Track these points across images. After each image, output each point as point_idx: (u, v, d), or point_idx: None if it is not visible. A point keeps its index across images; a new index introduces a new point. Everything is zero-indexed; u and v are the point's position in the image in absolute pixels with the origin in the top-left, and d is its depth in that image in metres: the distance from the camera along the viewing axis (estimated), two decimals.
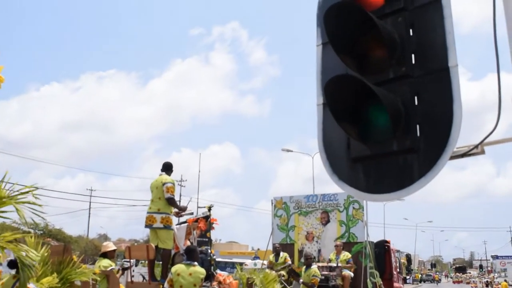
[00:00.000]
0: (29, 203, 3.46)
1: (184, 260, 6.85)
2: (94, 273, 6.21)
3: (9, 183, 3.42)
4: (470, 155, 2.19)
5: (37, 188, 3.50)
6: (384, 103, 2.29)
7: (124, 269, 8.64)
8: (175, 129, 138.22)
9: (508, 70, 2.19)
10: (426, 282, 73.78)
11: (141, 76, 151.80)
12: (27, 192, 3.46)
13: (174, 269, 6.75)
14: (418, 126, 2.26)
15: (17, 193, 3.44)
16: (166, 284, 6.93)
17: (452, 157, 2.16)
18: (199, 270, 6.62)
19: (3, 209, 3.42)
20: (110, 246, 8.16)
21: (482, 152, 2.17)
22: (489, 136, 2.12)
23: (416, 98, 2.31)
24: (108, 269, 7.45)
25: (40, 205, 3.48)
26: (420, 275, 78.59)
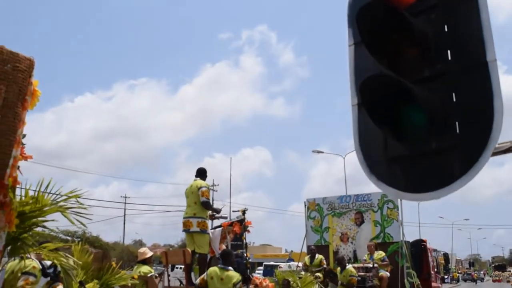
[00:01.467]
0: (74, 208, 3.53)
1: (219, 264, 6.88)
2: (133, 278, 6.30)
3: (51, 193, 3.50)
4: None
5: (78, 196, 3.57)
6: (421, 102, 2.26)
7: (160, 275, 8.74)
8: (206, 134, 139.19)
9: None
10: (467, 281, 72.16)
11: (171, 83, 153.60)
12: (70, 198, 3.54)
13: (209, 271, 6.80)
14: (457, 123, 2.22)
15: (61, 199, 3.52)
16: (197, 281, 6.99)
17: (494, 154, 2.12)
18: (231, 275, 6.61)
19: (46, 217, 3.50)
20: (147, 252, 8.26)
21: None
22: None
23: (454, 95, 2.27)
24: (148, 275, 7.55)
25: (85, 208, 3.55)
26: (458, 274, 76.95)
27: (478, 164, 2.09)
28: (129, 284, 5.95)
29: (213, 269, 6.80)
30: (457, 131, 2.20)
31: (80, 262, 4.73)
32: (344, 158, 37.16)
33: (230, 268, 6.72)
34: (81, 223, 3.61)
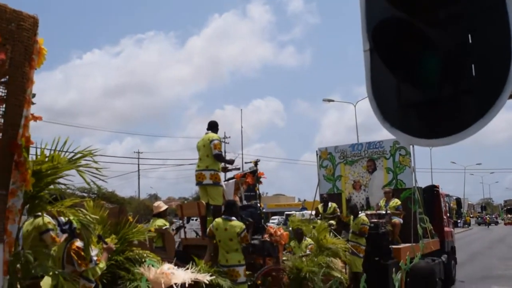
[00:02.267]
0: (89, 166, 3.57)
1: (223, 215, 7.05)
2: (150, 232, 6.43)
3: (66, 151, 3.53)
4: None
5: (91, 153, 3.60)
6: (436, 45, 2.19)
7: (178, 229, 8.92)
8: (216, 86, 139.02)
9: None
10: (481, 224, 72.86)
11: (179, 36, 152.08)
12: (85, 156, 3.57)
13: (214, 222, 7.02)
14: (473, 66, 2.15)
15: (76, 157, 3.55)
16: (207, 231, 7.19)
17: (511, 96, 2.06)
18: (235, 225, 6.79)
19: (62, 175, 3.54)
20: (161, 206, 8.40)
21: None
22: None
23: (470, 36, 2.19)
24: (163, 228, 7.70)
25: (100, 168, 3.59)
26: (470, 218, 77.60)
27: (494, 108, 2.04)
28: (146, 238, 6.06)
29: (218, 220, 7.00)
30: (473, 74, 2.14)
31: (97, 217, 4.81)
32: (355, 106, 36.94)
33: (233, 218, 6.90)
34: (95, 184, 3.67)
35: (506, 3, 2.10)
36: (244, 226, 6.90)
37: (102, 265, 4.77)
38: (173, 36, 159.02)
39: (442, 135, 2.18)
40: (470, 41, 2.19)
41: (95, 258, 4.62)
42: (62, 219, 4.48)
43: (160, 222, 7.91)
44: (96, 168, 3.64)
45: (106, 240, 5.19)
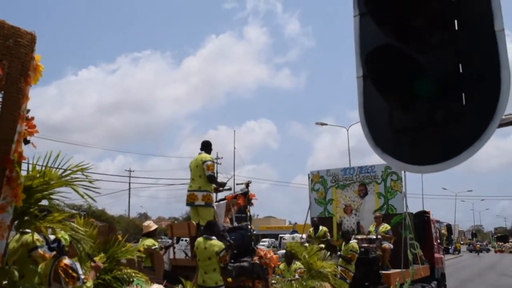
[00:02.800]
0: (81, 180, 3.56)
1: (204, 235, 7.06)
2: (139, 251, 6.38)
3: (57, 168, 3.52)
4: None
5: (83, 169, 3.59)
6: (427, 72, 2.24)
7: (167, 247, 8.84)
8: (211, 106, 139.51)
9: None
10: (472, 252, 72.73)
11: (175, 55, 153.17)
12: (76, 171, 3.56)
13: (196, 242, 7.06)
14: (463, 95, 2.20)
15: (67, 173, 3.54)
16: (193, 252, 7.22)
17: (500, 125, 2.10)
18: (214, 244, 6.80)
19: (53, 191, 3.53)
20: (151, 226, 8.35)
21: None
22: None
23: (460, 65, 2.24)
24: (152, 247, 7.64)
25: (92, 181, 3.58)
26: (460, 245, 77.57)
27: (484, 136, 2.08)
28: (135, 257, 6.01)
29: (199, 239, 7.03)
30: (463, 102, 2.19)
31: (87, 229, 4.77)
32: (347, 130, 37.13)
33: (213, 237, 6.90)
34: (90, 197, 3.65)
35: (496, 33, 2.15)
36: (223, 246, 6.88)
37: (90, 284, 4.71)
38: (169, 56, 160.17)
39: (432, 162, 2.21)
40: (461, 70, 2.24)
41: (82, 276, 4.57)
42: (51, 236, 4.44)
43: (149, 242, 7.85)
44: (89, 181, 3.62)
45: (95, 258, 5.14)
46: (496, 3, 2.19)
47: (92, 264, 4.99)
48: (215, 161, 51.39)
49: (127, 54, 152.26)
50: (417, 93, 2.27)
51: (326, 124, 38.62)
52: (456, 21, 2.33)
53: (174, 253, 8.84)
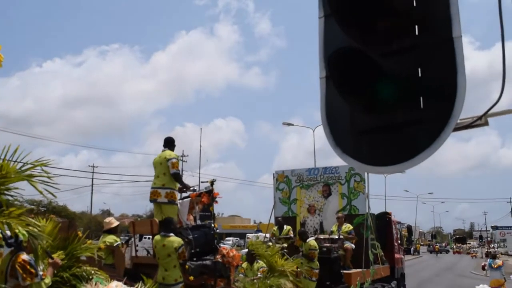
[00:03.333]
0: (40, 176, 3.48)
1: (161, 232, 7.03)
2: (100, 248, 6.28)
3: (16, 161, 3.44)
4: (473, 126, 2.19)
5: (44, 164, 3.52)
6: (388, 75, 2.29)
7: (127, 242, 8.71)
8: (179, 103, 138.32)
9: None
10: (432, 253, 74.34)
11: (144, 50, 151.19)
12: (35, 166, 3.49)
13: (154, 240, 7.02)
14: (422, 98, 2.26)
15: (26, 167, 3.46)
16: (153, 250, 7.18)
17: (455, 129, 2.16)
18: (173, 240, 6.79)
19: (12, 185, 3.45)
20: (113, 222, 8.23)
21: (486, 123, 2.18)
22: (493, 107, 2.12)
23: (419, 69, 2.30)
24: (114, 244, 7.54)
25: (50, 177, 3.50)
26: (421, 246, 79.43)
27: (440, 139, 2.14)
28: (95, 254, 5.92)
29: (156, 237, 7.00)
30: (421, 105, 2.24)
31: (45, 224, 4.67)
32: (313, 131, 37.47)
33: (171, 234, 6.88)
34: (50, 193, 3.57)
35: (454, 40, 2.22)
36: (182, 242, 6.88)
37: (48, 280, 4.61)
38: (138, 50, 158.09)
39: (390, 163, 2.26)
40: (420, 74, 2.30)
41: (41, 273, 4.47)
42: (8, 233, 4.33)
43: (110, 238, 7.74)
44: (48, 177, 3.55)
45: (53, 255, 5.03)
46: (455, 10, 2.26)
47: (50, 260, 4.89)
48: (181, 158, 50.89)
49: (95, 47, 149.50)
50: (377, 96, 2.31)
51: (292, 125, 38.88)
52: (416, 26, 2.39)
53: (136, 250, 8.73)
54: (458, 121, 2.17)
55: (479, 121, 2.16)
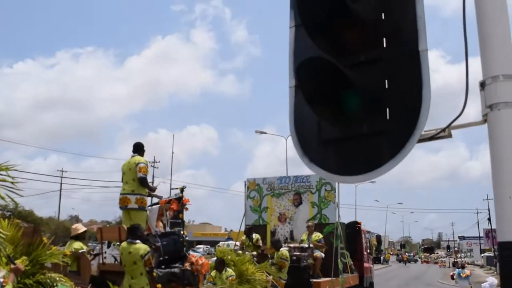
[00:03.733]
0: (4, 181, 3.40)
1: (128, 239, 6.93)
2: (65, 255, 6.16)
3: None
4: (437, 138, 2.23)
5: (8, 168, 3.43)
6: (355, 86, 2.31)
7: (96, 255, 8.59)
8: (152, 108, 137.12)
9: (477, 54, 2.23)
10: (401, 262, 75.23)
11: (119, 54, 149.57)
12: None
13: (120, 247, 6.91)
14: (388, 110, 2.29)
15: None
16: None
17: (420, 140, 2.20)
18: (139, 247, 6.69)
19: None
20: (79, 228, 8.10)
21: (449, 135, 2.22)
22: (457, 119, 2.16)
23: (386, 81, 2.34)
24: (80, 251, 7.40)
25: (15, 182, 3.42)
26: (390, 255, 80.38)
27: (404, 150, 2.17)
28: (60, 261, 5.80)
29: (122, 245, 6.90)
30: (387, 116, 2.28)
31: (7, 233, 4.54)
32: (286, 140, 37.62)
33: (138, 241, 6.77)
34: (11, 198, 3.48)
35: (420, 53, 2.26)
36: (148, 249, 6.77)
37: (9, 287, 4.49)
38: (113, 54, 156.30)
39: (355, 173, 2.29)
40: (387, 86, 2.33)
41: (1, 280, 4.35)
42: None
43: (77, 245, 7.60)
44: (12, 182, 3.46)
45: (16, 261, 4.90)
46: (421, 24, 2.31)
47: (12, 266, 4.76)
48: (152, 164, 50.30)
49: (68, 49, 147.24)
50: (344, 106, 2.34)
51: (265, 133, 39.03)
52: (384, 39, 2.43)
53: (103, 257, 8.59)
54: (423, 132, 2.21)
55: (443, 133, 2.20)
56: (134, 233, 6.96)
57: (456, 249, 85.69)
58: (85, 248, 7.71)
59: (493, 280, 12.81)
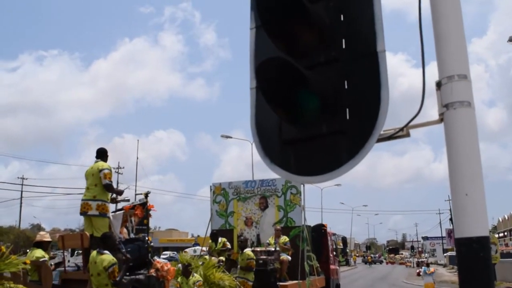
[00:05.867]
0: None
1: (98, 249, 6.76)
2: (25, 263, 6.00)
3: None
4: (396, 137, 2.26)
5: None
6: (314, 86, 2.32)
7: (57, 265, 8.38)
8: (119, 113, 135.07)
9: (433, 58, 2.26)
10: (367, 263, 76.17)
11: (85, 57, 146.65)
12: None
13: (90, 256, 6.73)
14: (347, 110, 2.31)
15: None
16: (88, 266, 6.89)
17: (379, 140, 2.22)
18: (104, 258, 6.49)
19: None
20: (46, 236, 7.91)
21: (408, 135, 2.25)
22: (414, 119, 2.19)
23: (345, 82, 2.36)
24: (41, 260, 7.21)
25: None
26: (357, 257, 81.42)
27: (364, 150, 2.19)
28: (20, 270, 5.64)
29: (92, 253, 6.72)
30: (347, 117, 2.29)
31: None
32: (252, 144, 37.68)
33: (106, 252, 6.58)
34: None
35: (378, 54, 2.29)
36: (113, 261, 6.51)
37: None
38: (78, 57, 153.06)
39: (315, 173, 2.29)
40: (346, 87, 2.35)
41: None
42: None
43: (38, 253, 7.40)
44: None
45: None
46: (379, 26, 2.34)
47: None
48: (116, 170, 49.51)
49: (31, 52, 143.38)
50: (303, 107, 2.34)
51: (230, 137, 38.97)
52: (343, 40, 2.45)
53: (65, 266, 8.39)
54: (382, 132, 2.23)
55: (401, 132, 2.23)
56: (104, 242, 6.74)
57: (419, 249, 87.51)
58: (46, 257, 7.51)
59: None
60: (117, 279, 6.51)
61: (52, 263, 8.37)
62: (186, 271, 9.23)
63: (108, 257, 6.50)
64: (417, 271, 23.77)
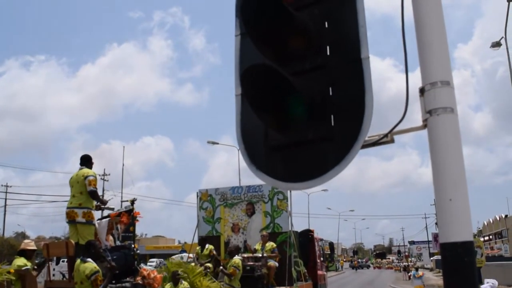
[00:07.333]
0: None
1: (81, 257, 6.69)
2: (9, 272, 5.91)
3: None
4: (380, 143, 2.27)
5: None
6: (300, 93, 2.33)
7: (39, 266, 8.22)
8: (106, 119, 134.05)
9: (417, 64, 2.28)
10: (354, 268, 76.33)
11: (73, 63, 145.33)
12: None
13: (75, 264, 6.66)
14: (332, 116, 2.32)
15: None
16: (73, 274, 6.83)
17: (364, 146, 2.23)
18: (86, 267, 6.42)
19: None
20: (30, 245, 7.81)
21: (392, 141, 2.26)
22: (397, 125, 2.21)
23: (330, 88, 2.37)
24: (23, 268, 7.10)
25: None
26: (344, 262, 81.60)
27: (349, 156, 2.20)
28: (4, 279, 5.56)
29: (77, 261, 6.65)
30: (332, 123, 2.30)
31: None
32: (238, 150, 37.65)
33: (89, 260, 6.50)
34: None
35: (362, 61, 2.31)
36: (95, 269, 6.42)
37: None
38: (66, 63, 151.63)
39: (300, 180, 2.30)
40: (331, 93, 2.37)
41: None
42: None
43: (20, 261, 7.29)
44: None
45: None
46: (363, 32, 2.36)
47: None
48: (102, 177, 49.06)
49: (18, 57, 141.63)
50: (289, 113, 2.35)
51: (217, 143, 38.92)
52: (328, 46, 2.47)
53: (49, 274, 8.29)
54: (367, 138, 2.24)
55: (385, 138, 2.24)
56: (88, 250, 6.69)
57: (406, 253, 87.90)
58: (29, 265, 7.41)
59: (494, 282, 13.22)
60: (100, 287, 6.43)
61: (35, 266, 8.24)
62: (175, 278, 9.19)
63: (90, 265, 6.42)
64: (409, 274, 25.93)
